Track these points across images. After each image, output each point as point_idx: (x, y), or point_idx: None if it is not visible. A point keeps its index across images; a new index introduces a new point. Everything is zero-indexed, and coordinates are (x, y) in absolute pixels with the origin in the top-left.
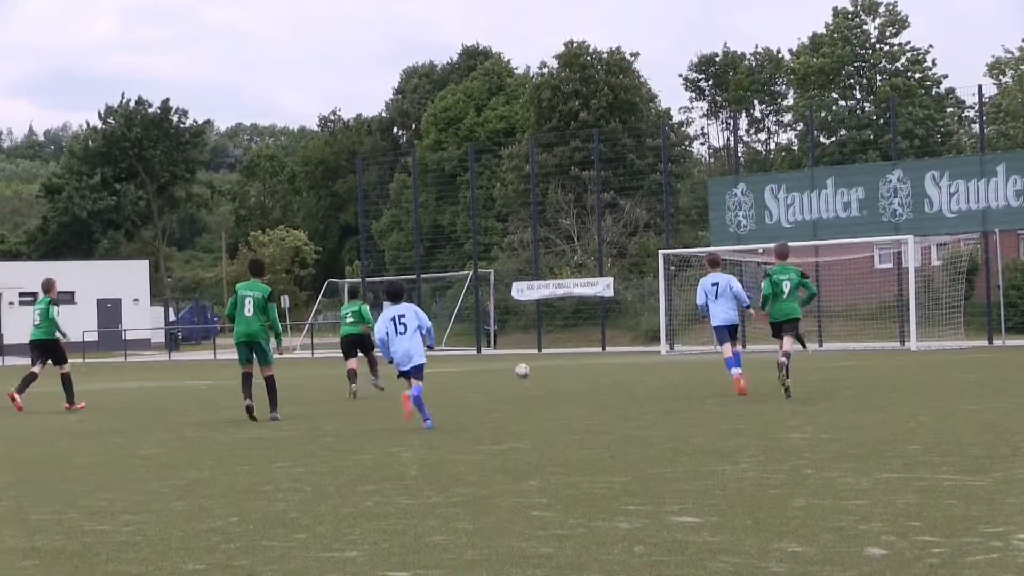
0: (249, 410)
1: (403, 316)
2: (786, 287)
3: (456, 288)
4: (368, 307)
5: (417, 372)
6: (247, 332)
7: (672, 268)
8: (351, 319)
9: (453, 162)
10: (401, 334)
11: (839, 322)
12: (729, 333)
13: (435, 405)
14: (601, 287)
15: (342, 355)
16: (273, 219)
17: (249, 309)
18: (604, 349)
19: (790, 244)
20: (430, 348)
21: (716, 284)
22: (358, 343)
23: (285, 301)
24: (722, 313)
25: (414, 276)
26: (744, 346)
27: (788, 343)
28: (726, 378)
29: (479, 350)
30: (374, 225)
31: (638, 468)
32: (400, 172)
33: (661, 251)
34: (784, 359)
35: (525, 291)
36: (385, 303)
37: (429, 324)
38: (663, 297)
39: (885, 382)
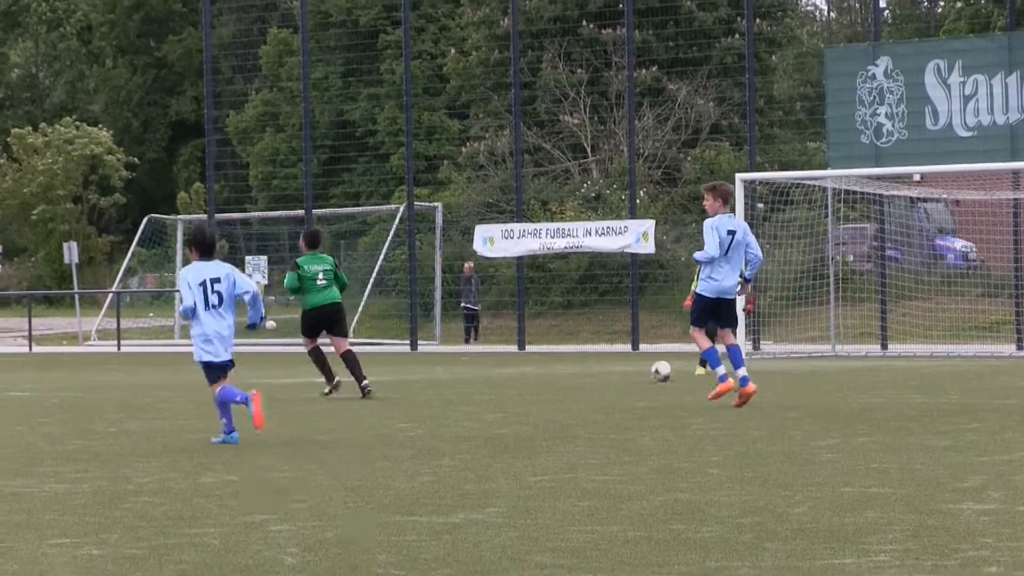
0: None
1: (217, 281)
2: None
3: (376, 235)
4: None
5: (223, 370)
6: None
7: (761, 205)
8: (323, 280)
9: (373, 10)
10: (214, 307)
11: None
12: (725, 312)
13: (332, 440)
14: (633, 237)
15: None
16: (53, 106)
17: None
18: (637, 347)
19: (967, 167)
20: (258, 324)
21: (733, 233)
22: (336, 317)
23: (71, 251)
24: (727, 278)
25: (301, 212)
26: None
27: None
28: (851, 404)
29: (414, 345)
30: (231, 120)
31: (690, 561)
32: (278, 27)
33: (740, 175)
34: None
35: (498, 242)
36: (196, 261)
37: (254, 289)
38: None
39: None
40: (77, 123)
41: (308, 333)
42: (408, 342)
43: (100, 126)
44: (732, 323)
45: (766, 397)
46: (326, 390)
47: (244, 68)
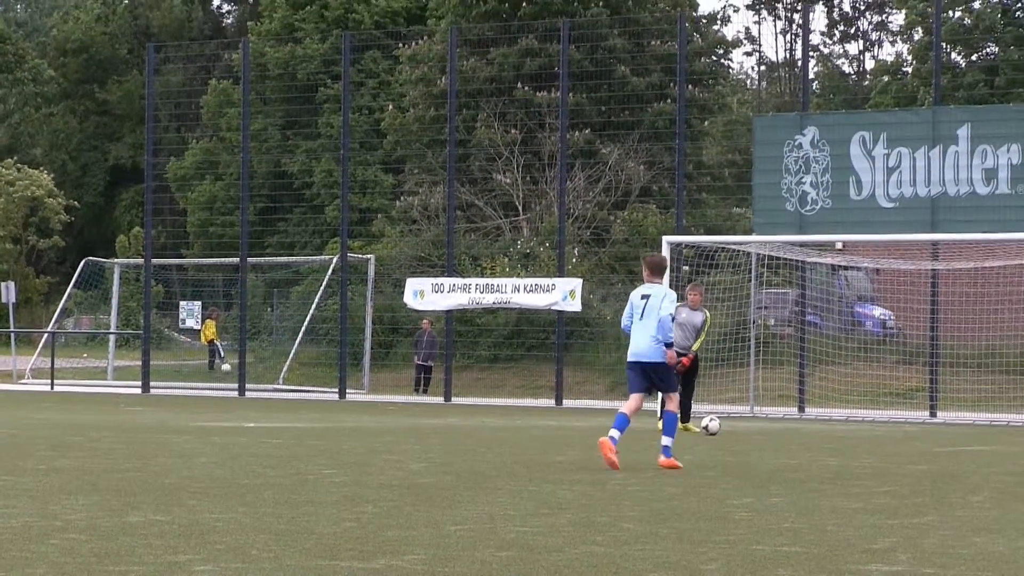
0: None
1: None
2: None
3: (309, 284)
4: None
5: None
6: None
7: (686, 268)
8: None
9: (313, 64)
10: None
11: (968, 376)
12: (647, 376)
13: (259, 483)
14: (560, 295)
15: None
16: None
17: None
18: (560, 402)
19: (888, 238)
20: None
21: (647, 297)
22: None
23: (9, 291)
24: (640, 340)
25: (237, 260)
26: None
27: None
28: (767, 464)
29: (342, 393)
30: (170, 167)
31: None
32: (220, 78)
33: (667, 237)
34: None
35: (428, 295)
36: None
37: None
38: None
39: None
40: (19, 166)
41: None
42: (337, 390)
43: (42, 170)
44: (663, 387)
45: (684, 457)
46: None
47: (185, 116)
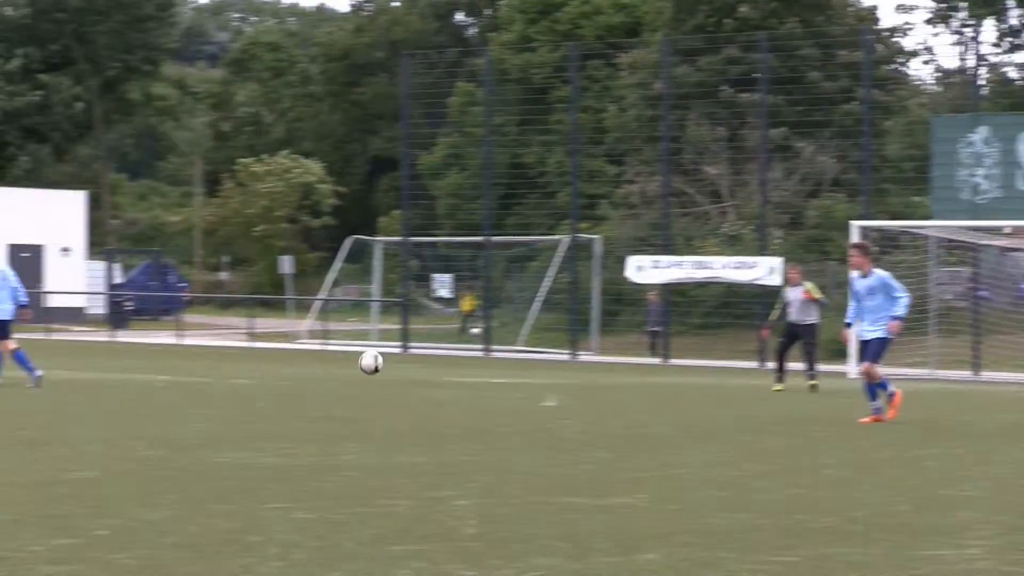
0: None
1: None
2: None
3: (543, 260)
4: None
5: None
6: None
7: (873, 249)
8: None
9: (546, 70)
10: None
11: None
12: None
13: (507, 431)
14: (762, 271)
15: None
16: (273, 140)
17: None
18: (763, 364)
19: None
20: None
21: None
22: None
23: (287, 264)
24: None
25: (480, 238)
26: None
27: None
28: (948, 420)
29: (574, 354)
30: (423, 158)
31: (808, 545)
32: (465, 80)
33: (855, 222)
34: None
35: (647, 270)
36: None
37: None
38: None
39: None
40: (293, 156)
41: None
42: (569, 352)
43: (313, 158)
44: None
45: (866, 412)
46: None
47: (434, 114)
